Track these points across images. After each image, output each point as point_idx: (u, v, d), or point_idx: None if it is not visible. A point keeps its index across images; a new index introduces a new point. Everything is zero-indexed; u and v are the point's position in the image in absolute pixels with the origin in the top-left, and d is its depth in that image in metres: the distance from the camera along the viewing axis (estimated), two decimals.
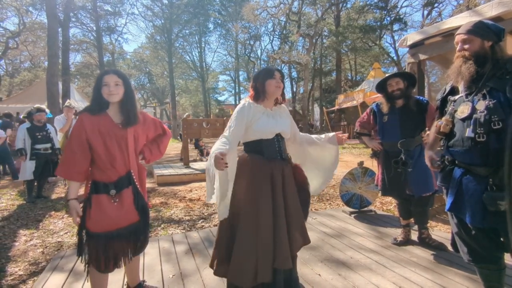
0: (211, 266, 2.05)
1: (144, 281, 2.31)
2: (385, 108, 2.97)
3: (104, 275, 1.94)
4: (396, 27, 26.39)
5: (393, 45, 27.51)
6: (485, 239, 1.68)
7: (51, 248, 3.49)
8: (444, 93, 1.97)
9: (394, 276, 2.40)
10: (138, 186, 1.96)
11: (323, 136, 2.28)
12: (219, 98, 46.41)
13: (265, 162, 1.97)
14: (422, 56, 4.15)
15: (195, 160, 9.96)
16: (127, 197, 1.89)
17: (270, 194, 1.92)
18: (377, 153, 3.18)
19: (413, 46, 4.23)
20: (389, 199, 5.24)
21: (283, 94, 2.14)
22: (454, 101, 1.81)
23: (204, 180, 6.36)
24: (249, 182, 1.95)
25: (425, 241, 2.96)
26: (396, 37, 26.92)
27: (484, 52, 1.69)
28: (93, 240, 1.84)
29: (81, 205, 1.91)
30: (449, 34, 3.61)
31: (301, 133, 2.33)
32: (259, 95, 2.04)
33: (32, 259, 3.22)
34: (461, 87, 1.82)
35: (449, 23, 3.63)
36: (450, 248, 2.76)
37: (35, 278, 2.78)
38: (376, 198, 4.57)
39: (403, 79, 2.89)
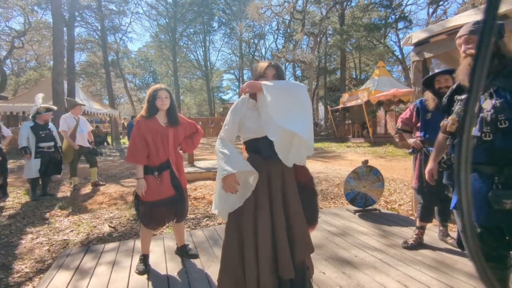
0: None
1: (188, 244, 2.97)
2: (431, 104, 2.88)
3: (149, 231, 2.69)
4: (401, 25, 26.22)
5: (398, 44, 27.31)
6: (491, 238, 1.67)
7: (57, 246, 3.52)
8: (450, 92, 1.95)
9: (398, 274, 2.39)
10: (174, 170, 2.62)
11: None
12: (224, 97, 46.46)
13: (262, 162, 1.86)
14: (427, 54, 4.12)
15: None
16: (166, 177, 2.56)
17: (267, 195, 1.83)
18: (417, 151, 3.08)
19: (418, 44, 4.20)
20: (394, 197, 5.23)
21: None
22: (461, 100, 1.80)
23: (208, 179, 6.41)
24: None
25: (443, 236, 3.02)
26: (401, 36, 26.72)
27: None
28: (143, 206, 2.57)
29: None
30: (455, 32, 3.56)
31: None
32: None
33: (38, 256, 3.25)
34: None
35: (454, 21, 3.60)
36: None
37: (41, 275, 2.82)
38: (381, 197, 4.55)
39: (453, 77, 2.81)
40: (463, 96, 1.80)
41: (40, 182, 5.72)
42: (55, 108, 5.83)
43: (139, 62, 37.14)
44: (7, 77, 19.48)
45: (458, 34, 1.81)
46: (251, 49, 35.83)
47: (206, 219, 4.29)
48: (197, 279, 2.44)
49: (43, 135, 5.47)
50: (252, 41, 35.36)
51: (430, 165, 2.11)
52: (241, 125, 1.94)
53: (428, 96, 2.94)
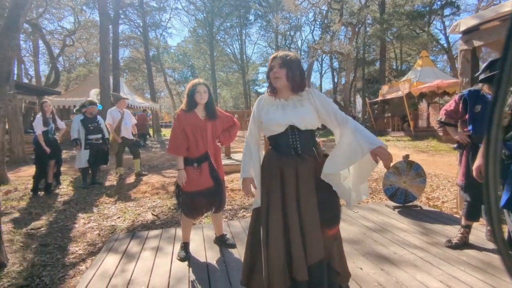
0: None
1: (225, 234, 3.08)
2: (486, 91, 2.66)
3: (189, 220, 2.83)
4: (447, 11, 24.42)
5: (443, 31, 25.56)
6: None
7: (106, 231, 3.80)
8: None
9: (441, 274, 2.30)
10: (213, 162, 2.71)
11: (367, 139, 1.68)
12: (259, 90, 46.56)
13: (276, 158, 1.83)
14: (477, 43, 3.83)
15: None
16: (205, 168, 2.66)
17: (279, 193, 1.77)
18: (463, 146, 2.90)
19: (467, 32, 3.91)
20: (436, 194, 4.99)
21: (291, 80, 1.79)
22: None
23: None
24: (263, 181, 1.88)
25: (491, 236, 2.79)
26: (447, 23, 24.95)
27: None
28: (183, 196, 2.72)
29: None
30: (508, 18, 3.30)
31: (351, 120, 1.79)
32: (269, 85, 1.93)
33: (90, 240, 3.53)
34: None
35: (509, 6, 3.31)
36: None
37: (93, 257, 3.06)
38: (422, 193, 4.37)
39: None
40: None
41: (90, 172, 6.18)
42: (96, 102, 6.23)
43: (178, 57, 38.30)
44: (60, 73, 21.01)
45: None
46: (287, 41, 35.40)
47: (242, 210, 4.40)
48: (235, 268, 2.52)
49: (91, 127, 5.89)
50: (288, 33, 34.94)
51: (478, 161, 2.00)
52: (259, 123, 1.93)
53: (486, 87, 2.72)
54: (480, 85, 2.77)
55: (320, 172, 1.76)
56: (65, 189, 5.92)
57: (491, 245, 2.77)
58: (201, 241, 3.11)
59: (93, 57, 29.33)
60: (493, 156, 0.41)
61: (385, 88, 18.04)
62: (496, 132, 0.39)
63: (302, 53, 35.39)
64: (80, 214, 4.42)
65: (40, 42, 21.78)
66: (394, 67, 31.21)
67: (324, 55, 28.97)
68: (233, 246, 2.95)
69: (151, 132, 20.49)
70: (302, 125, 1.80)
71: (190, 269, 2.55)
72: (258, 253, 1.84)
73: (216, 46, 34.91)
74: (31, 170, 7.61)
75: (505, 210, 1.75)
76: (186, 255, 2.74)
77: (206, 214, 3.03)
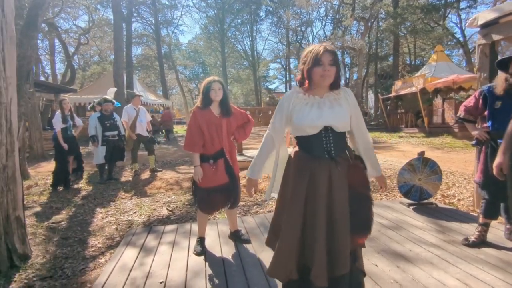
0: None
1: (240, 229, 3.12)
2: (499, 90, 2.62)
3: (205, 215, 2.88)
4: (463, 4, 23.81)
5: (459, 25, 24.96)
6: None
7: (123, 225, 3.90)
8: None
9: (458, 272, 2.29)
10: (228, 158, 2.74)
11: (373, 166, 1.86)
12: (270, 87, 46.51)
13: (307, 161, 1.70)
14: (496, 37, 3.74)
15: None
16: (220, 165, 2.70)
17: (303, 197, 1.67)
18: (481, 143, 2.84)
19: (485, 26, 3.82)
20: (452, 191, 4.92)
21: (336, 79, 1.71)
22: None
23: None
24: (289, 181, 1.77)
25: (510, 235, 2.74)
26: (463, 16, 24.39)
27: None
28: (199, 191, 2.74)
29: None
30: None
31: (366, 137, 1.86)
32: (304, 81, 1.76)
33: (108, 234, 3.63)
34: None
35: None
36: None
37: (112, 251, 3.15)
38: (438, 191, 4.32)
39: None
40: None
41: (106, 167, 6.33)
42: (114, 101, 6.36)
43: (189, 54, 38.51)
44: (75, 71, 21.43)
45: None
46: (298, 37, 35.14)
47: (256, 206, 4.43)
48: (250, 263, 2.56)
49: (108, 124, 6.03)
50: (299, 28, 34.64)
51: (499, 158, 1.96)
52: (288, 120, 1.79)
53: (498, 80, 2.68)
54: (496, 79, 2.72)
55: (352, 176, 1.70)
56: (82, 185, 6.08)
57: (510, 244, 2.73)
58: (216, 236, 3.16)
59: (107, 55, 29.81)
60: None
61: (398, 84, 17.75)
62: None
63: None
64: (98, 209, 4.54)
65: (56, 41, 22.25)
66: (408, 62, 30.64)
67: (336, 51, 28.63)
68: (248, 241, 2.99)
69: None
70: (339, 127, 1.71)
71: (207, 263, 2.60)
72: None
73: (227, 42, 34.98)
74: (50, 166, 7.84)
75: None
76: (202, 250, 2.79)
77: (221, 210, 3.07)
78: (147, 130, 6.72)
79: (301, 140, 1.77)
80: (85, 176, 6.73)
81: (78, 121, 6.05)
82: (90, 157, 8.32)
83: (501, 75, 2.67)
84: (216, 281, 2.31)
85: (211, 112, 2.71)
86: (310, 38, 35.98)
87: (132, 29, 19.00)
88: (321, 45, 1.68)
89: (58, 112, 5.64)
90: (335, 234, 1.62)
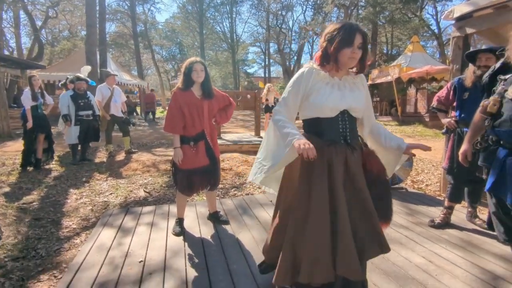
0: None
1: (219, 211, 3.15)
2: (468, 82, 2.77)
3: (184, 197, 2.89)
4: None
5: (434, 17, 25.62)
6: None
7: (98, 206, 3.82)
8: (493, 70, 1.89)
9: (424, 251, 2.45)
10: (209, 141, 2.74)
11: (393, 139, 1.74)
12: (249, 71, 46.07)
13: (323, 146, 1.57)
14: (469, 30, 3.90)
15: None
16: (201, 147, 2.69)
17: (326, 186, 1.54)
18: (450, 131, 3.02)
19: (460, 18, 3.96)
20: (421, 177, 5.18)
21: (363, 62, 1.61)
22: (505, 80, 1.74)
23: (234, 151, 6.58)
24: (302, 170, 1.61)
25: (471, 217, 3.02)
26: (439, 8, 24.98)
27: None
28: (179, 173, 2.73)
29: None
30: (503, 6, 3.36)
31: (375, 122, 1.83)
32: (327, 60, 1.60)
33: (83, 215, 3.56)
34: None
35: None
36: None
37: (87, 232, 3.10)
38: (408, 176, 4.53)
39: (497, 57, 2.54)
40: (508, 76, 1.74)
41: (79, 148, 6.12)
42: (88, 80, 6.10)
43: (166, 33, 37.19)
44: (43, 46, 20.20)
45: None
46: (279, 21, 34.79)
47: (234, 189, 4.48)
48: (229, 244, 2.61)
49: (82, 103, 5.79)
50: (279, 12, 34.26)
51: (464, 146, 2.08)
52: (304, 99, 1.64)
53: (468, 73, 2.83)
54: (466, 72, 2.87)
55: (371, 162, 1.66)
56: (54, 165, 5.86)
57: (471, 226, 2.95)
58: (195, 218, 3.19)
59: (78, 31, 28.22)
60: None
61: (375, 72, 18.11)
62: None
63: (293, 34, 35.01)
64: (71, 190, 4.42)
65: (22, 12, 20.74)
66: (385, 51, 31.24)
67: (315, 37, 28.68)
68: (227, 222, 3.03)
69: (138, 110, 20.19)
70: (357, 111, 1.65)
71: (186, 243, 2.63)
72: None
73: (206, 23, 34.06)
74: (17, 145, 7.48)
75: (488, 193, 1.86)
76: (181, 230, 2.81)
77: (200, 192, 3.08)
78: (122, 111, 6.52)
79: (312, 123, 1.66)
80: (55, 156, 6.48)
81: (49, 99, 5.75)
82: (59, 137, 7.99)
83: (470, 68, 2.83)
84: (196, 260, 2.35)
85: (193, 94, 2.67)
86: (290, 23, 35.82)
87: (106, 4, 18.00)
88: (353, 24, 1.56)
89: (28, 89, 5.33)
90: (359, 224, 1.56)
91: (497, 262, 2.26)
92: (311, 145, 1.41)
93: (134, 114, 19.22)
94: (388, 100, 16.46)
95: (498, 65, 1.85)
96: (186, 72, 2.64)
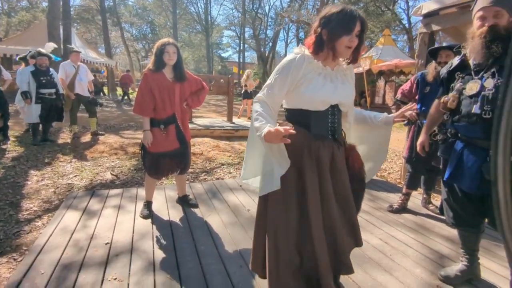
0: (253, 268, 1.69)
1: (188, 195, 3.16)
2: (430, 77, 2.92)
3: (153, 180, 2.86)
4: None
5: (406, 12, 26.39)
6: (472, 207, 1.84)
7: (62, 188, 3.70)
8: (450, 67, 1.96)
9: (381, 233, 2.63)
10: (180, 124, 2.71)
11: (378, 115, 1.79)
12: (223, 55, 45.31)
13: (311, 140, 1.48)
14: (435, 27, 4.08)
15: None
16: (171, 130, 2.67)
17: (317, 181, 1.47)
18: (411, 123, 3.17)
19: (428, 15, 4.14)
20: (384, 166, 5.46)
21: (357, 52, 1.49)
22: (463, 77, 1.82)
23: (206, 136, 6.54)
24: (291, 164, 1.46)
25: (426, 203, 3.26)
26: (410, 3, 25.74)
27: (510, 27, 1.64)
28: (149, 156, 2.70)
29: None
30: (467, 6, 3.54)
31: (355, 109, 1.76)
32: (321, 47, 1.46)
33: (45, 197, 3.43)
34: (471, 62, 1.79)
35: None
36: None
37: (49, 214, 3.00)
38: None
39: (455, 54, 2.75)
40: (465, 74, 1.83)
41: (41, 128, 5.80)
42: (51, 55, 5.74)
43: (137, 10, 35.44)
44: None
45: (483, 4, 1.68)
46: (255, 6, 34.26)
47: (204, 173, 4.48)
48: (198, 226, 2.64)
49: (44, 81, 5.46)
50: None
51: (421, 137, 2.22)
52: (293, 89, 1.48)
53: (430, 68, 2.99)
54: (428, 67, 3.04)
55: (352, 158, 1.62)
56: (11, 146, 5.53)
57: (425, 211, 3.19)
58: (164, 201, 3.18)
59: (38, 1, 26.19)
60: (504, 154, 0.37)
61: None
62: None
63: (269, 20, 34.69)
64: (32, 171, 4.21)
65: None
66: None
67: (291, 24, 28.66)
68: (196, 206, 3.06)
69: (105, 90, 19.35)
70: (346, 105, 1.58)
71: (154, 226, 2.63)
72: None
73: (179, 3, 32.84)
74: None
75: (442, 182, 2.00)
76: (149, 213, 2.80)
77: (170, 175, 3.07)
78: (88, 90, 6.23)
79: (298, 114, 1.53)
80: (12, 136, 6.12)
81: (6, 74, 5.40)
82: (16, 115, 7.53)
83: (432, 63, 2.99)
84: (164, 242, 2.37)
85: (164, 76, 2.62)
86: (267, 8, 35.49)
87: None
88: (353, 9, 1.41)
89: None
90: (342, 220, 1.54)
91: (444, 243, 2.48)
92: (280, 128, 1.27)
93: (101, 94, 18.41)
94: (359, 91, 16.94)
95: (455, 62, 1.93)
96: (157, 54, 2.58)
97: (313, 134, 1.50)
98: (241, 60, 37.68)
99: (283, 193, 1.47)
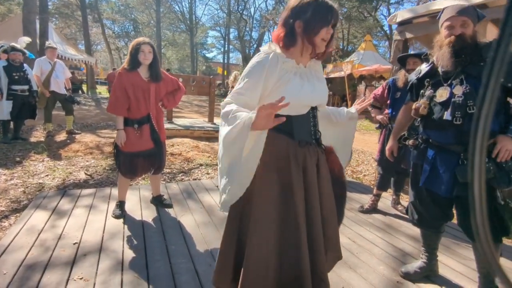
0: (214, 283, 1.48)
1: (163, 195, 3.14)
2: (400, 83, 3.03)
3: (127, 180, 2.83)
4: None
5: (387, 18, 27.09)
6: (437, 210, 1.92)
7: (32, 188, 3.60)
8: (419, 73, 2.01)
9: (350, 232, 2.71)
10: (154, 124, 2.71)
11: (341, 111, 1.67)
12: (207, 55, 45.08)
13: (296, 148, 1.33)
14: (408, 35, 4.24)
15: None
16: (145, 130, 2.66)
17: (303, 192, 1.33)
18: (383, 126, 3.31)
19: (402, 23, 4.30)
20: (360, 168, 5.60)
21: (328, 45, 1.35)
22: (432, 84, 1.88)
23: (186, 137, 6.51)
24: (275, 173, 1.32)
25: (395, 204, 3.39)
26: (392, 10, 26.45)
27: (475, 36, 1.72)
28: (122, 156, 2.68)
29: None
30: (437, 15, 3.70)
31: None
32: (293, 41, 1.31)
33: (14, 197, 3.33)
34: (440, 70, 1.85)
35: (438, 4, 3.70)
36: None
37: (18, 214, 2.92)
38: (348, 167, 4.87)
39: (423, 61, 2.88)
40: (435, 81, 1.89)
41: (12, 126, 5.62)
42: (25, 51, 5.58)
43: (119, 7, 34.82)
44: None
45: (449, 14, 1.76)
46: (240, 7, 34.34)
47: (181, 174, 4.47)
48: (170, 226, 2.64)
49: (16, 77, 5.29)
50: None
51: (390, 143, 2.28)
52: (268, 93, 1.31)
53: (400, 74, 3.12)
54: (399, 73, 3.16)
55: (333, 162, 1.52)
56: None
57: (394, 211, 3.30)
58: (137, 201, 3.15)
59: None
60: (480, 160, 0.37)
61: (330, 67, 18.81)
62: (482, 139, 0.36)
63: (254, 22, 34.82)
64: (0, 170, 4.08)
65: None
66: (341, 47, 32.44)
67: (275, 26, 28.84)
68: (170, 206, 3.05)
69: (84, 88, 18.90)
70: (323, 106, 1.48)
71: (125, 226, 2.61)
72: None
73: (163, 1, 32.48)
74: None
75: (410, 185, 2.07)
76: (121, 213, 2.78)
77: (144, 175, 3.05)
78: (65, 87, 6.09)
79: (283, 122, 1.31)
80: None
81: None
82: None
83: (402, 70, 3.11)
84: (134, 241, 2.36)
85: (139, 75, 2.60)
86: (252, 9, 35.60)
87: None
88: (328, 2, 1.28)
89: None
90: (327, 228, 1.42)
91: (408, 242, 2.59)
92: (267, 104, 1.07)
93: (80, 92, 17.97)
94: (340, 94, 17.26)
95: (424, 69, 1.96)
96: (132, 53, 2.57)
97: (297, 140, 1.34)
98: (225, 61, 37.64)
99: (265, 210, 1.30)
